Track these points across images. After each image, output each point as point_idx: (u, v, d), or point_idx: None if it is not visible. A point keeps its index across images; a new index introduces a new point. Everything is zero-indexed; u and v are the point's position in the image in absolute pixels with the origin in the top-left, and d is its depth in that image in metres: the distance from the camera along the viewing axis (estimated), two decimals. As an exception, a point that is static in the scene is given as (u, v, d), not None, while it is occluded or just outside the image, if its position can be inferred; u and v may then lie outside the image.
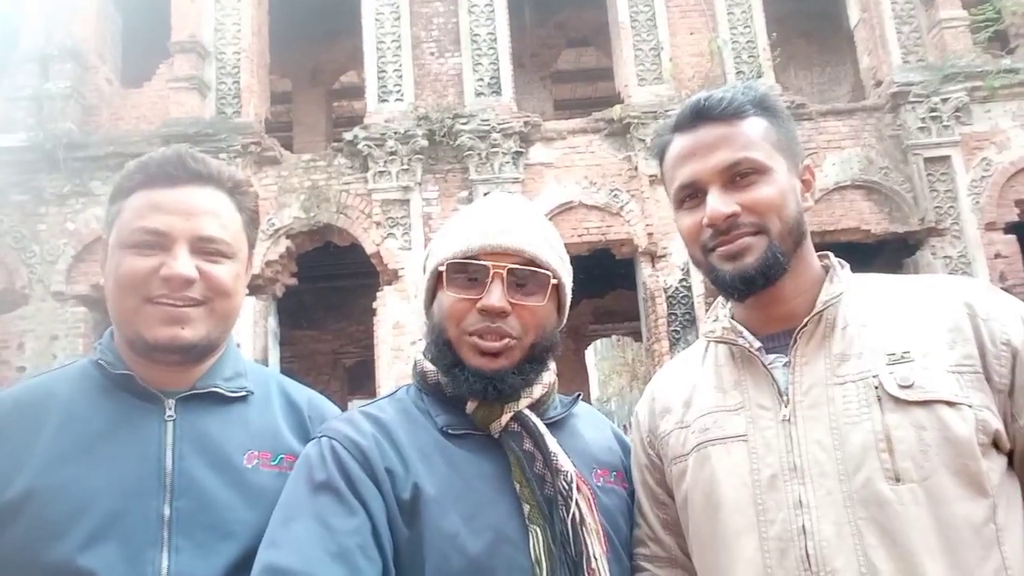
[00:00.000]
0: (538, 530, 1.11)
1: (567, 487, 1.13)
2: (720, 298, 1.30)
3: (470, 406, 1.20)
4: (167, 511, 1.12)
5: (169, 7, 10.73)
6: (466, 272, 1.20)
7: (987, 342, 1.08)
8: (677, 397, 1.29)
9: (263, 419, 1.28)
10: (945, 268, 9.73)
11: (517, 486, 1.14)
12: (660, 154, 1.28)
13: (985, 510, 1.01)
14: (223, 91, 10.66)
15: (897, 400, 1.05)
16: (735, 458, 1.14)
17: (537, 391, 1.23)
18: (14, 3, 10.99)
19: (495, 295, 1.17)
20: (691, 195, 1.21)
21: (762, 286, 1.16)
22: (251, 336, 9.71)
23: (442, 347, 1.22)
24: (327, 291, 13.38)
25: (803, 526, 1.06)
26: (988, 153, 10.08)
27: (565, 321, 1.33)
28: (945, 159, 10.03)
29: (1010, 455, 1.07)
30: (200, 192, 1.22)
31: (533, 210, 1.32)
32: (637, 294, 10.54)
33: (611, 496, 1.26)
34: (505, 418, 1.18)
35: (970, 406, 1.04)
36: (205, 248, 1.21)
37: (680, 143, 1.22)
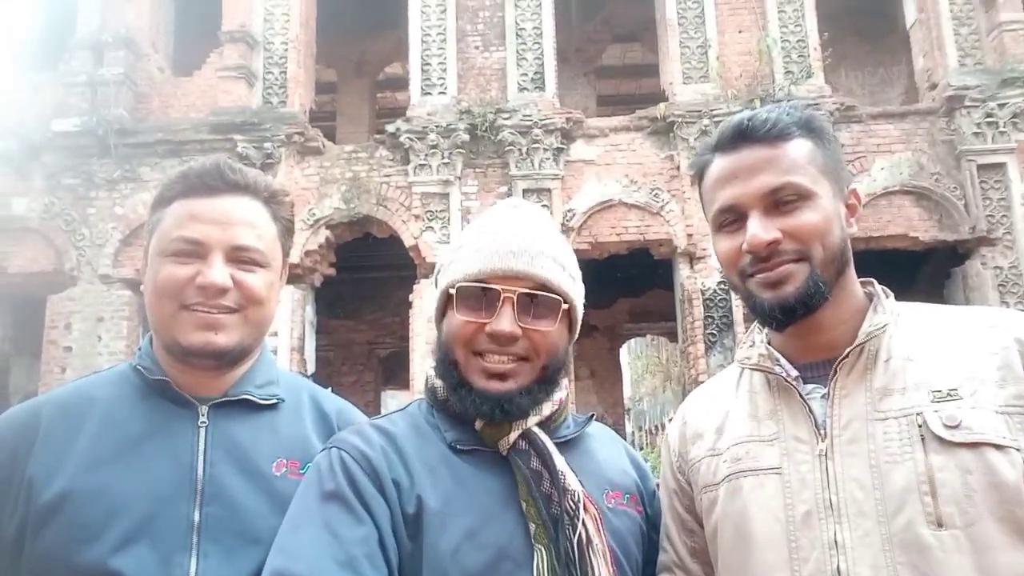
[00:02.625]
0: (543, 550, 1.10)
1: (574, 507, 1.12)
2: (756, 323, 1.27)
3: (478, 423, 1.19)
4: (197, 516, 1.15)
5: (220, -4, 10.93)
6: (476, 295, 1.18)
7: None
8: (709, 423, 1.26)
9: (293, 427, 1.29)
10: (995, 279, 9.46)
11: (523, 504, 1.13)
12: (699, 174, 1.24)
13: None
14: (270, 81, 10.81)
15: (942, 440, 1.01)
16: (768, 492, 1.11)
17: (546, 409, 1.21)
18: (71, -9, 11.28)
19: (505, 320, 1.15)
20: (731, 219, 1.17)
21: (802, 315, 1.13)
22: (288, 325, 9.86)
23: (448, 367, 1.21)
24: (364, 282, 13.50)
25: (838, 567, 1.02)
26: (1046, 161, 9.74)
27: (575, 338, 1.30)
28: (1000, 166, 9.73)
29: None
30: (237, 202, 1.24)
31: (546, 224, 1.28)
32: (674, 295, 10.44)
33: (622, 518, 1.23)
34: (513, 436, 1.17)
35: (1018, 450, 1.00)
36: (240, 257, 1.23)
37: (721, 164, 1.18)
